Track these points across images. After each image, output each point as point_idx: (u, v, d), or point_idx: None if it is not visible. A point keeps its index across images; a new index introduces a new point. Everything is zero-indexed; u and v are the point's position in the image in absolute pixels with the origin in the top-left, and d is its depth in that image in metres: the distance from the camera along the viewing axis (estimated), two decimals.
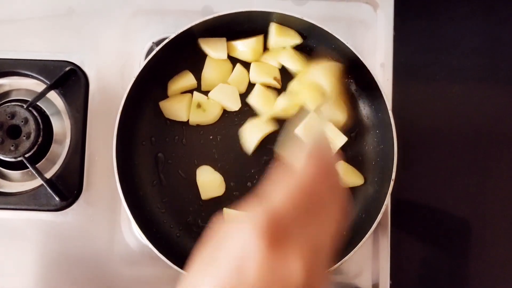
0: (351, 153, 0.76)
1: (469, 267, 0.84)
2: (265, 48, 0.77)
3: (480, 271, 0.84)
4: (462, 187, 0.86)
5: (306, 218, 0.41)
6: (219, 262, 0.38)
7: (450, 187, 0.85)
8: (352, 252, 0.67)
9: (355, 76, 0.75)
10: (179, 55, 0.75)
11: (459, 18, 0.91)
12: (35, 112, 0.76)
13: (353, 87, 0.77)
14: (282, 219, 0.39)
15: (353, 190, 0.76)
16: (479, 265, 0.84)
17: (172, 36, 0.71)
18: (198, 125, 0.76)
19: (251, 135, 0.74)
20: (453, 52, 0.89)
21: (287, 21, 0.73)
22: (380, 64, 0.79)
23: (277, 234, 0.38)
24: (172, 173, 0.76)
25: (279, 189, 0.42)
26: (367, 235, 0.68)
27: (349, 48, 0.70)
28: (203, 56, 0.77)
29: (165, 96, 0.77)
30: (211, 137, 0.77)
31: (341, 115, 0.74)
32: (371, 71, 0.70)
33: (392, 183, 0.69)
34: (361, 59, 0.69)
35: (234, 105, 0.75)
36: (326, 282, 0.41)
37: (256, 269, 0.37)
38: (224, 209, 0.73)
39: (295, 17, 0.71)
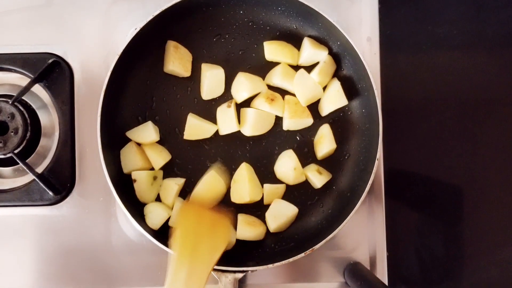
0: (339, 129, 0.77)
1: (463, 233, 0.85)
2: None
3: (474, 236, 0.85)
4: (453, 153, 0.86)
5: None
6: None
7: (441, 154, 0.86)
8: (336, 230, 0.69)
9: (342, 54, 0.75)
10: (161, 35, 0.75)
11: None
12: (21, 107, 0.75)
13: (341, 67, 0.77)
14: None
15: (339, 168, 0.77)
16: (473, 230, 0.85)
17: (151, 16, 0.70)
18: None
19: None
20: (438, 21, 0.89)
21: None
22: (366, 38, 0.78)
23: None
24: None
25: None
26: (352, 213, 0.69)
27: (333, 25, 0.69)
28: (188, 33, 0.77)
29: (147, 78, 0.77)
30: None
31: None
32: (355, 48, 0.69)
33: (377, 162, 0.69)
34: (346, 35, 0.69)
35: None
36: None
37: None
38: None
39: None
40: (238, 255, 0.72)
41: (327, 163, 0.77)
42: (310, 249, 0.67)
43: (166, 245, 0.68)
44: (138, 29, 0.69)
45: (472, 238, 0.85)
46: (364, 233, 0.78)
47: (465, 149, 0.87)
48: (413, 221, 0.85)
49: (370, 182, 0.68)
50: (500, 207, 0.86)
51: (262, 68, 0.77)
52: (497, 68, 0.88)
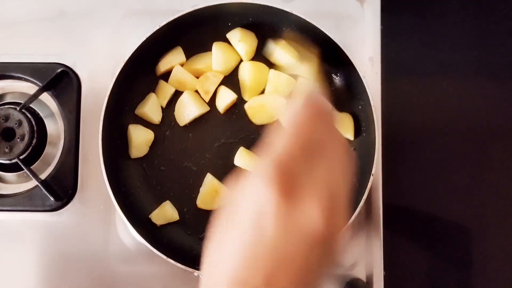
0: None
1: (464, 264, 0.84)
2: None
3: (473, 259, 0.84)
4: (453, 181, 0.86)
5: (313, 163, 0.40)
6: (237, 223, 0.39)
7: (441, 181, 0.86)
8: None
9: (343, 73, 0.76)
10: (165, 48, 0.77)
11: (448, 12, 0.91)
12: (28, 114, 0.76)
13: (340, 84, 0.78)
14: (289, 167, 0.39)
15: None
16: (471, 254, 0.84)
17: (158, 27, 0.73)
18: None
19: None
20: (443, 46, 0.90)
21: (274, 15, 0.74)
22: (368, 58, 0.80)
23: (289, 183, 0.38)
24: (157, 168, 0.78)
25: (280, 138, 0.42)
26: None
27: (335, 42, 0.71)
28: (190, 49, 0.79)
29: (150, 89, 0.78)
30: (190, 135, 0.78)
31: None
32: (356, 66, 0.71)
33: (372, 177, 0.69)
34: (347, 53, 0.70)
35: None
36: (345, 228, 0.41)
37: (274, 222, 0.37)
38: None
39: (284, 11, 0.72)
40: None
41: None
42: None
43: (165, 254, 0.68)
44: (145, 38, 0.72)
45: (470, 260, 0.84)
46: (361, 252, 0.78)
47: (465, 176, 0.86)
48: (410, 243, 0.85)
49: (364, 197, 0.69)
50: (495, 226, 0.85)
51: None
52: (501, 96, 0.88)
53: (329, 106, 0.45)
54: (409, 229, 0.85)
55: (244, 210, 0.39)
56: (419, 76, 0.89)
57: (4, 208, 0.77)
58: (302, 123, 0.42)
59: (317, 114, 0.43)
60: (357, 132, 0.75)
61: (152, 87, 0.78)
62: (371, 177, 0.68)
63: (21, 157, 0.76)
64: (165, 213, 0.75)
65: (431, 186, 0.86)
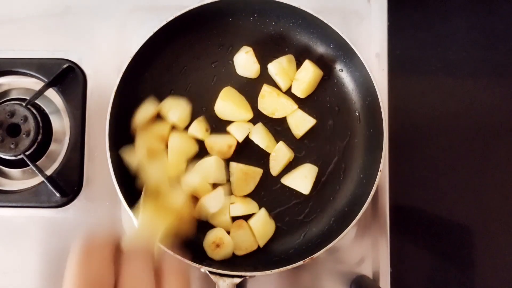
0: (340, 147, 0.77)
1: (464, 254, 0.84)
2: None
3: (479, 257, 0.84)
4: (458, 179, 0.86)
5: None
6: None
7: (446, 179, 0.86)
8: (336, 240, 0.68)
9: (350, 68, 0.76)
10: (173, 44, 0.77)
11: (454, 10, 0.91)
12: (34, 110, 0.76)
13: (345, 80, 0.77)
14: None
15: (341, 181, 0.76)
16: (476, 252, 0.84)
17: (165, 22, 0.73)
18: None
19: None
20: (449, 44, 0.90)
21: (283, 9, 0.74)
22: (375, 54, 0.80)
23: None
24: None
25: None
26: (352, 224, 0.69)
27: (343, 38, 0.71)
28: (195, 43, 0.78)
29: (158, 87, 0.78)
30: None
31: None
32: (364, 62, 0.70)
33: (379, 173, 0.69)
34: (355, 49, 0.70)
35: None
36: None
37: None
38: None
39: (291, 6, 0.72)
40: (237, 260, 0.72)
41: (330, 176, 0.77)
42: (309, 258, 0.67)
43: (171, 250, 0.68)
44: (152, 34, 0.72)
45: (474, 259, 0.84)
46: (368, 249, 0.78)
47: (470, 175, 0.86)
48: (417, 240, 0.85)
49: (372, 193, 0.68)
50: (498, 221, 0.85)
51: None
52: (507, 94, 0.88)
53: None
54: (415, 227, 0.85)
55: None
56: (425, 73, 0.89)
57: (10, 204, 0.77)
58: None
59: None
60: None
61: (158, 84, 0.78)
62: (379, 173, 0.68)
63: (27, 153, 0.75)
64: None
65: (436, 183, 0.86)
